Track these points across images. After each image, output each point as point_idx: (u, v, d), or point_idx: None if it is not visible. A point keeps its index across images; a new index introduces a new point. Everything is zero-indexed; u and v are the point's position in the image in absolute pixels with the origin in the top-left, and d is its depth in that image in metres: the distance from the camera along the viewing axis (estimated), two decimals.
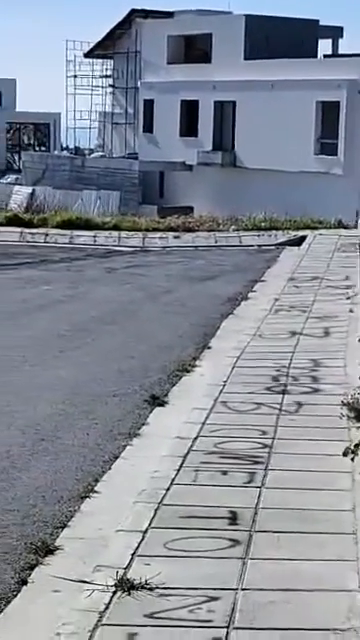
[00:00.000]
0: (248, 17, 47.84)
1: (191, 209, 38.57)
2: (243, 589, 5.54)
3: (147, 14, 54.72)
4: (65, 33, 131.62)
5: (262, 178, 43.82)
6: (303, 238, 22.76)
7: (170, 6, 65.35)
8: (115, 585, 5.58)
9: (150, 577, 5.63)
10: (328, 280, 17.16)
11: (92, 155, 56.11)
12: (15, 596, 5.73)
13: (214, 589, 5.53)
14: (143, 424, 9.18)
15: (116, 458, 8.22)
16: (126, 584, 5.56)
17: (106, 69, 58.38)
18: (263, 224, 24.38)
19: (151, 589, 5.53)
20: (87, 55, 58.35)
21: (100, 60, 58.48)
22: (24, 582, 5.89)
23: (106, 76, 58.40)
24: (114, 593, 5.51)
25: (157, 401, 9.91)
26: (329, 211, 26.98)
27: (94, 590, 5.58)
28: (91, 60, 58.51)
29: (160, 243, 22.99)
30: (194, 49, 51.18)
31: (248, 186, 43.77)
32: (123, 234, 23.72)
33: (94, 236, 23.47)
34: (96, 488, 7.48)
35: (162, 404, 9.84)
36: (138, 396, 10.13)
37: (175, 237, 23.47)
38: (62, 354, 12.17)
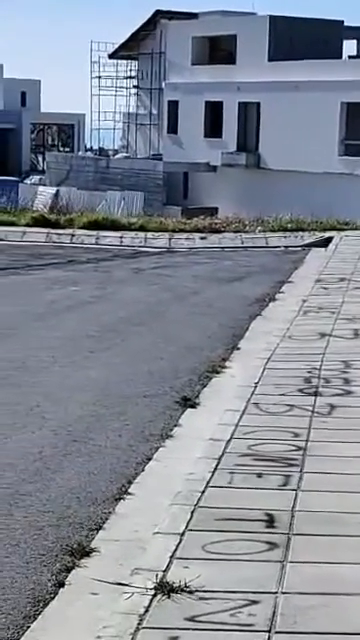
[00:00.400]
0: (272, 18, 47.82)
1: (215, 210, 38.57)
2: (283, 592, 5.50)
3: (172, 15, 54.78)
4: (90, 34, 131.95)
5: (286, 179, 43.79)
6: (329, 239, 22.68)
7: (195, 7, 65.34)
8: (154, 588, 5.55)
9: (189, 580, 5.60)
10: (356, 281, 17.09)
11: (116, 156, 56.18)
12: (53, 598, 5.70)
13: (254, 592, 5.49)
14: (175, 425, 9.15)
15: (149, 460, 8.19)
16: (166, 587, 5.53)
17: (130, 70, 58.49)
18: (289, 225, 24.31)
19: (191, 592, 5.49)
20: (112, 56, 58.46)
21: (125, 61, 58.57)
22: (61, 584, 5.86)
23: (130, 77, 58.50)
24: (154, 596, 5.47)
25: (188, 402, 9.88)
26: (354, 212, 26.93)
27: (133, 593, 5.55)
28: (115, 61, 58.64)
29: (187, 244, 22.97)
30: (218, 50, 51.20)
31: (272, 187, 43.74)
32: (149, 235, 23.70)
33: (120, 237, 23.46)
34: (130, 490, 7.46)
35: (193, 405, 9.81)
36: (169, 397, 10.10)
37: (201, 238, 23.42)
38: (92, 355, 12.15)
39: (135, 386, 10.57)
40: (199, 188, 49.56)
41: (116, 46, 57.81)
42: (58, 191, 45.76)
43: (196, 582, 5.59)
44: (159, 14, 55.32)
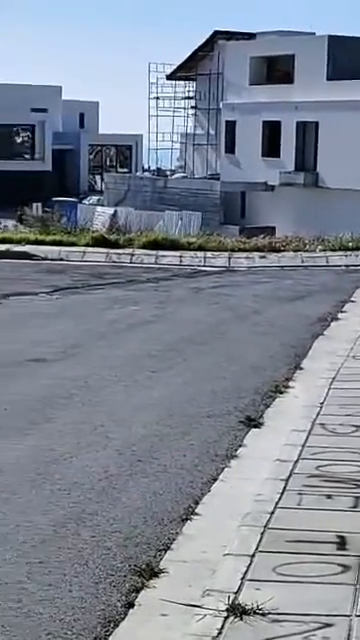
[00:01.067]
0: (331, 38, 47.71)
1: (273, 229, 38.45)
2: (357, 615, 5.41)
3: (230, 36, 54.81)
4: (148, 56, 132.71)
5: (345, 198, 43.57)
6: None
7: (252, 27, 65.35)
8: (227, 610, 5.48)
9: (262, 602, 5.52)
10: None
11: (174, 176, 56.26)
12: (123, 619, 5.65)
13: (327, 615, 5.40)
14: (240, 445, 9.07)
15: (215, 480, 8.12)
16: (238, 609, 5.45)
17: (188, 91, 58.58)
18: (350, 244, 24.18)
19: (264, 614, 5.41)
20: (170, 77, 58.62)
21: (182, 82, 58.69)
22: (131, 605, 5.81)
23: (188, 97, 58.59)
24: (226, 618, 5.40)
25: (252, 422, 9.80)
26: None
27: (205, 615, 5.48)
28: (173, 82, 58.75)
29: (246, 263, 22.91)
30: (276, 70, 51.15)
31: (331, 206, 43.55)
32: (209, 254, 23.68)
33: (180, 256, 23.46)
34: (197, 510, 7.40)
35: (257, 425, 9.73)
36: (233, 417, 10.03)
37: (261, 257, 23.36)
38: (154, 374, 12.12)
39: (198, 406, 10.51)
40: (256, 207, 49.48)
41: (174, 67, 58.00)
42: (116, 211, 45.90)
43: (268, 604, 5.52)
44: (217, 35, 55.38)
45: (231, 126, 51.38)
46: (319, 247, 24.31)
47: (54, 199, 47.95)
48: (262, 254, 23.66)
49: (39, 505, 7.40)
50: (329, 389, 10.84)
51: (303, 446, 8.70)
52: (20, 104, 67.35)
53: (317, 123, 46.99)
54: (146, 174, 59.19)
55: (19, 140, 71.05)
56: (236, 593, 5.71)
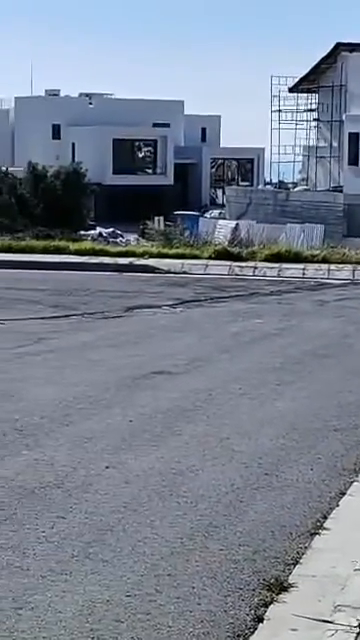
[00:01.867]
0: None
1: None
2: None
3: (353, 47, 54.40)
4: (270, 69, 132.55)
5: None
6: None
7: None
8: (359, 626, 5.38)
9: None
10: None
11: (296, 189, 56.05)
12: (252, 633, 5.60)
13: None
14: None
15: (343, 494, 8.01)
16: None
17: (311, 103, 58.31)
18: None
19: None
20: (292, 90, 58.46)
21: (305, 94, 58.47)
22: (260, 619, 5.76)
23: (310, 110, 58.32)
24: (358, 634, 5.31)
25: None
26: None
27: (337, 630, 5.40)
28: (296, 94, 58.57)
29: None
30: None
31: None
32: (332, 266, 23.53)
33: (303, 269, 23.37)
34: (325, 524, 7.30)
35: None
36: None
37: None
38: (278, 387, 12.05)
39: (324, 419, 10.41)
40: None
41: (296, 80, 57.86)
42: (238, 224, 45.91)
43: None
44: (340, 46, 55.04)
45: (354, 138, 50.96)
46: None
47: (176, 213, 48.27)
48: None
49: (166, 517, 7.40)
50: None
51: None
52: (142, 119, 68.08)
53: None
54: (268, 187, 59.12)
55: (141, 155, 71.78)
56: None
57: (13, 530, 7.01)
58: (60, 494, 7.79)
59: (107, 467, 8.54)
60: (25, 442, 9.18)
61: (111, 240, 39.33)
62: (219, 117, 77.13)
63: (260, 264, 24.01)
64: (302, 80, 57.74)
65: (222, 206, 60.64)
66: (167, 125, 70.48)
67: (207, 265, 23.98)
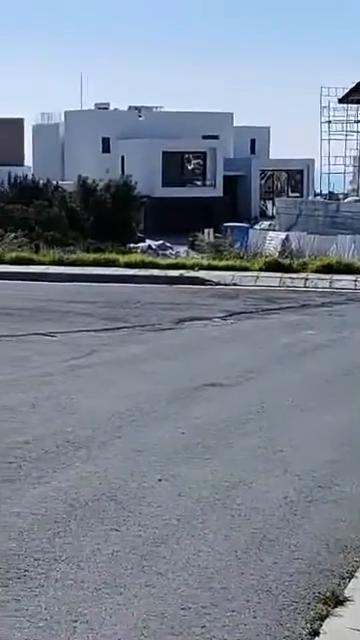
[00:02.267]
0: None
1: None
2: None
3: None
4: (320, 80, 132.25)
5: None
6: None
7: None
8: None
9: None
10: None
11: (346, 200, 55.86)
12: None
13: None
14: None
15: None
16: None
17: None
18: None
19: None
20: (342, 100, 58.32)
21: (355, 105, 58.30)
22: (316, 633, 5.71)
23: None
24: None
25: None
26: None
27: None
28: (345, 105, 58.42)
29: None
30: None
31: None
32: None
33: (354, 280, 23.22)
34: None
35: None
36: None
37: None
38: (331, 399, 11.99)
39: None
40: None
41: (346, 90, 57.70)
42: (288, 236, 45.80)
43: None
44: None
45: None
46: None
47: (226, 224, 48.21)
48: None
49: (219, 530, 7.37)
50: None
51: None
52: (192, 131, 68.24)
53: None
54: (318, 198, 58.97)
55: (190, 167, 71.94)
56: None
57: (68, 542, 7.03)
58: (113, 506, 7.79)
59: (160, 480, 8.54)
60: (78, 454, 9.19)
61: (160, 252, 39.40)
62: (268, 128, 77.19)
63: (311, 275, 23.90)
64: (352, 91, 57.53)
65: (272, 218, 60.55)
66: (216, 137, 70.59)
67: (258, 277, 23.91)
